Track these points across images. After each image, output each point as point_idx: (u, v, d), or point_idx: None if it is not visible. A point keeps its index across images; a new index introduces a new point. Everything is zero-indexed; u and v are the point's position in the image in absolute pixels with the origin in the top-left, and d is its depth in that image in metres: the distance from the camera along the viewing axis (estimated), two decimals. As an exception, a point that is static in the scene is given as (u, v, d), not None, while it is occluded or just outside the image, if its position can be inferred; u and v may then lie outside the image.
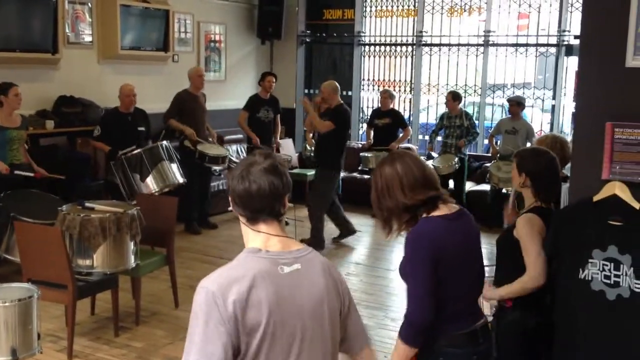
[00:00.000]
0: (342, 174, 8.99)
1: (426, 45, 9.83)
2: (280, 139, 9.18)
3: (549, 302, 3.06)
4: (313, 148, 8.05)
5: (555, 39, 8.94)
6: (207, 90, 8.16)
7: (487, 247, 4.54)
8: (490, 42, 9.31)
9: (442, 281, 2.54)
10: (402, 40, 10.01)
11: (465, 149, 8.60)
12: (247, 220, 2.02)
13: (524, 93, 9.11)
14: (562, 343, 2.78)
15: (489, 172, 7.80)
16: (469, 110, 9.31)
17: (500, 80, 9.51)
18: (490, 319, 3.07)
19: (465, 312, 2.65)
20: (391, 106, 8.81)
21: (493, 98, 9.70)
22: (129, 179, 6.54)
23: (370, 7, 10.19)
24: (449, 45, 9.65)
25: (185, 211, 7.62)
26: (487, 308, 3.36)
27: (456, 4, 9.51)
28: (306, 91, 10.63)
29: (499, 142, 8.51)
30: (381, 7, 10.09)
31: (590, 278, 2.65)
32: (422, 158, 9.48)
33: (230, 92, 9.72)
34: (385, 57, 10.23)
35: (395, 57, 10.15)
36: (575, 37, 8.45)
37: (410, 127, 9.05)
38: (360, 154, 8.97)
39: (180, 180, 6.90)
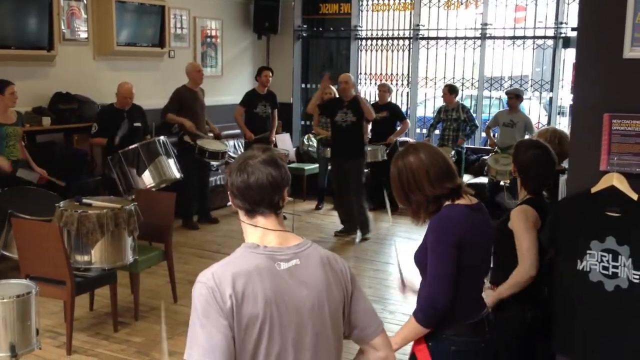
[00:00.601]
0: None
1: (423, 38, 9.81)
2: (277, 133, 9.17)
3: (546, 295, 3.07)
4: (328, 139, 8.08)
5: (552, 31, 8.93)
6: (204, 85, 8.14)
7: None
8: (488, 35, 9.30)
9: (461, 269, 2.55)
10: (399, 34, 9.99)
11: (463, 142, 8.60)
12: (246, 213, 2.01)
13: (521, 86, 9.11)
14: (561, 334, 2.79)
15: (487, 165, 7.81)
16: (467, 103, 9.30)
17: (497, 73, 9.51)
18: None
19: (474, 301, 2.67)
20: (389, 100, 8.80)
21: (490, 91, 9.69)
22: (126, 173, 6.54)
23: (367, 0, 10.17)
24: (446, 38, 9.63)
25: (184, 206, 7.63)
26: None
27: (453, -4, 9.50)
28: (303, 86, 10.63)
29: (496, 134, 8.52)
30: (378, 0, 10.07)
31: (588, 269, 2.65)
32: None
33: (227, 87, 9.71)
34: (382, 50, 10.21)
35: (393, 51, 10.14)
36: (573, 29, 8.44)
37: (408, 120, 9.04)
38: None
39: (177, 175, 6.90)
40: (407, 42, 9.94)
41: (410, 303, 2.66)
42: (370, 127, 8.38)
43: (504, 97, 8.72)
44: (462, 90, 9.33)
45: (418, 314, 2.59)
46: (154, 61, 8.64)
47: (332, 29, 10.40)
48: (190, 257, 6.81)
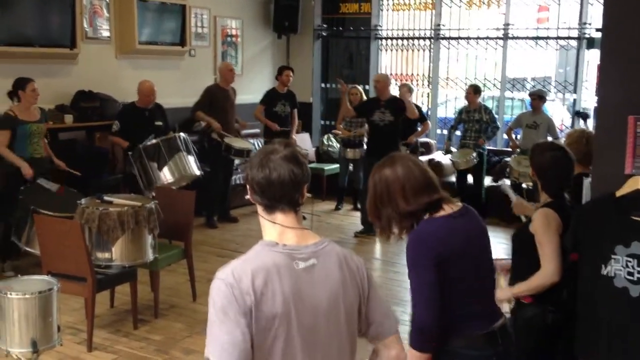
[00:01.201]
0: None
1: (444, 38, 9.75)
2: (297, 133, 9.17)
3: (565, 297, 3.03)
4: (366, 139, 8.13)
5: (576, 32, 8.83)
6: (223, 84, 8.17)
7: (507, 242, 4.49)
8: (510, 36, 9.21)
9: (451, 282, 2.47)
10: (419, 34, 9.94)
11: (484, 142, 8.54)
12: (265, 209, 1.99)
13: (544, 87, 9.03)
14: (584, 339, 2.75)
15: (509, 167, 7.74)
16: (488, 104, 9.24)
17: (520, 74, 9.43)
18: (508, 316, 3.04)
19: (482, 312, 2.58)
20: (410, 100, 8.76)
21: (513, 92, 9.62)
22: (147, 168, 6.56)
23: (387, 0, 10.13)
24: (468, 38, 9.57)
25: (207, 204, 7.68)
26: (506, 306, 3.33)
27: (475, -4, 9.45)
28: (322, 85, 10.62)
29: (518, 136, 8.44)
30: (398, 0, 10.03)
31: (613, 274, 2.61)
32: (440, 152, 9.54)
33: (247, 86, 9.72)
34: (402, 50, 10.16)
35: (413, 51, 10.09)
36: (597, 29, 8.34)
37: (428, 121, 9.00)
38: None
39: (197, 172, 6.91)
40: (428, 42, 9.88)
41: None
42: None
43: (527, 98, 8.64)
44: (484, 91, 9.26)
45: (411, 341, 2.51)
46: (175, 60, 8.68)
47: (352, 28, 10.38)
48: (210, 255, 6.83)
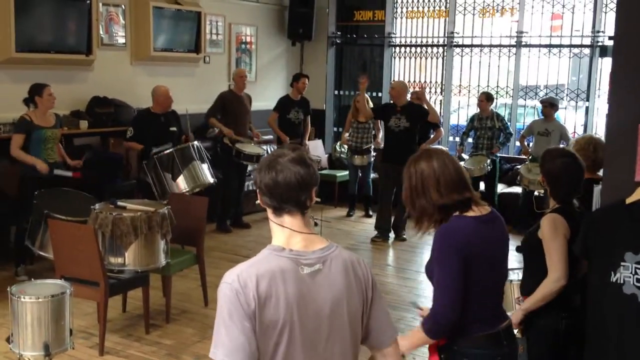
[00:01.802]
0: (373, 175, 9.01)
1: (457, 46, 9.75)
2: (310, 140, 9.20)
3: (578, 303, 3.03)
4: (382, 146, 8.19)
5: (589, 39, 8.81)
6: (238, 91, 8.21)
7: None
8: (523, 43, 9.21)
9: (469, 281, 2.52)
10: (433, 41, 9.94)
11: (498, 150, 8.53)
12: (273, 211, 2.02)
13: (557, 95, 9.00)
14: (593, 347, 2.74)
15: (520, 174, 7.73)
16: (501, 112, 9.22)
17: (533, 81, 9.40)
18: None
19: (490, 313, 2.63)
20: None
21: (525, 100, 9.59)
22: (161, 178, 6.61)
23: (401, 8, 10.15)
24: (481, 46, 9.57)
25: (220, 209, 7.72)
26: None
27: (488, 4, 9.43)
28: (336, 92, 10.64)
29: (531, 143, 8.42)
30: (412, 8, 10.04)
31: (622, 281, 2.61)
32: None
33: (261, 93, 9.76)
34: (416, 58, 10.17)
35: (426, 58, 10.09)
36: (610, 37, 8.31)
37: (441, 128, 8.99)
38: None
39: (211, 180, 6.95)
40: (441, 49, 9.89)
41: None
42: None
43: (539, 106, 8.61)
44: (497, 98, 9.25)
45: (425, 323, 2.58)
46: (190, 67, 8.74)
47: (366, 35, 10.41)
48: (222, 261, 6.85)
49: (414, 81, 10.18)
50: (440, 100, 9.99)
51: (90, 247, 4.54)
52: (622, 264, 2.61)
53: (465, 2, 9.57)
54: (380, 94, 10.12)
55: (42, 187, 5.72)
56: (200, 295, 5.67)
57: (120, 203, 5.06)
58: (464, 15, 9.62)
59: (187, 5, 8.43)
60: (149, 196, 6.43)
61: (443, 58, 9.88)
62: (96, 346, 4.74)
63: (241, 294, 1.86)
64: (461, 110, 10.34)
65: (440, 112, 9.92)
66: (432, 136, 8.57)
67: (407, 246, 7.70)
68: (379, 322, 2.11)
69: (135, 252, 4.84)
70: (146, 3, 7.85)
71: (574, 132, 9.13)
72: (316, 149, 9.63)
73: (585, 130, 8.97)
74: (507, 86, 9.52)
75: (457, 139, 9.41)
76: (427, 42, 10.00)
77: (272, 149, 9.12)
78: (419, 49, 10.09)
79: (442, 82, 9.94)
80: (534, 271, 3.07)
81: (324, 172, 9.42)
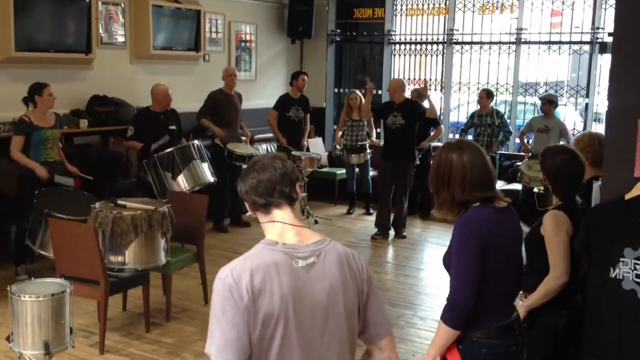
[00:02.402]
0: (373, 173, 9.01)
1: (457, 43, 9.75)
2: (309, 138, 9.20)
3: (579, 301, 3.03)
4: (382, 143, 8.17)
5: (588, 36, 8.80)
6: (238, 89, 8.21)
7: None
8: (523, 40, 9.20)
9: (488, 270, 2.55)
10: (432, 39, 9.94)
11: (498, 148, 8.52)
12: (262, 210, 2.06)
13: (557, 92, 8.99)
14: (592, 343, 2.75)
15: (520, 171, 7.71)
16: (501, 109, 9.22)
17: (532, 78, 9.40)
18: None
19: (505, 304, 2.68)
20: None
21: (525, 97, 9.59)
22: (161, 177, 6.60)
23: (401, 5, 10.14)
24: (481, 43, 9.56)
25: (216, 209, 7.69)
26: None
27: (488, 1, 9.42)
28: (336, 90, 10.64)
29: (530, 140, 8.42)
30: (411, 5, 10.03)
31: (621, 277, 2.61)
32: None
33: (261, 91, 9.77)
34: (415, 55, 10.17)
35: (426, 56, 10.09)
36: (610, 34, 8.31)
37: (441, 126, 8.99)
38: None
39: (211, 179, 6.95)
40: (440, 47, 9.88)
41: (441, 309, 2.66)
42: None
43: (539, 102, 8.61)
44: (497, 95, 9.24)
45: (444, 315, 2.61)
46: (189, 65, 8.74)
47: (365, 33, 10.40)
48: (222, 259, 6.84)
49: (414, 78, 10.18)
50: (440, 98, 9.98)
51: (90, 246, 4.54)
52: (622, 259, 2.61)
53: (464, -1, 9.58)
54: (380, 92, 10.12)
55: (42, 186, 5.73)
56: (201, 294, 5.67)
57: (120, 202, 5.06)
58: (464, 12, 9.61)
59: (187, 3, 8.43)
60: (149, 195, 6.43)
61: (443, 55, 9.88)
62: (96, 345, 4.74)
63: (234, 288, 1.88)
64: (461, 108, 10.33)
65: (440, 110, 9.92)
66: (432, 133, 8.58)
67: (407, 243, 7.70)
68: (374, 316, 2.13)
69: (136, 251, 4.84)
70: (145, 1, 7.84)
71: (574, 128, 9.13)
72: (316, 146, 9.63)
73: (584, 127, 8.97)
74: (506, 83, 9.51)
75: (457, 136, 9.39)
76: (426, 39, 10.00)
77: (272, 148, 9.14)
78: (418, 47, 10.09)
79: (441, 79, 9.94)
80: (536, 268, 3.07)
81: (323, 170, 9.43)
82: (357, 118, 8.67)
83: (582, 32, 8.91)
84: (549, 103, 8.14)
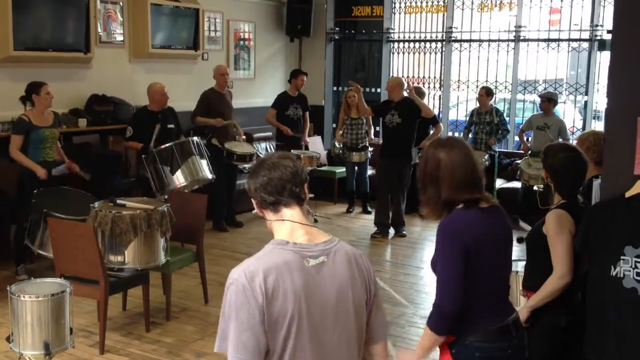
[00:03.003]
0: (371, 171, 9.01)
1: (456, 41, 9.74)
2: (309, 136, 9.19)
3: (579, 300, 3.03)
4: (381, 141, 8.14)
5: (587, 33, 8.80)
6: (237, 88, 8.22)
7: (517, 244, 4.48)
8: (522, 38, 9.19)
9: (476, 273, 2.53)
10: (431, 37, 9.93)
11: (495, 145, 8.52)
12: (271, 209, 2.06)
13: (556, 89, 8.99)
14: (593, 340, 2.74)
15: (519, 169, 7.72)
16: (500, 106, 9.21)
17: (531, 76, 9.39)
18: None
19: (499, 306, 2.64)
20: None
21: (524, 94, 9.58)
22: (160, 172, 6.56)
23: (400, 3, 10.12)
24: (479, 41, 9.55)
25: (213, 209, 7.68)
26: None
27: (486, -1, 9.42)
28: (335, 88, 10.63)
29: (529, 138, 8.42)
30: (410, 3, 10.02)
31: (622, 275, 2.61)
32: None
33: (259, 89, 9.76)
34: (414, 53, 10.16)
35: (425, 54, 10.08)
36: (608, 31, 8.30)
37: (441, 124, 8.98)
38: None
39: (210, 176, 6.91)
40: (439, 44, 9.87)
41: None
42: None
43: (538, 100, 8.61)
44: (496, 93, 9.23)
45: (429, 320, 2.59)
46: (188, 63, 8.73)
47: (364, 31, 10.39)
48: (221, 258, 6.86)
49: (413, 76, 10.17)
50: (439, 96, 9.98)
51: (89, 246, 4.54)
52: (622, 257, 2.61)
53: (463, -3, 9.56)
54: (378, 90, 10.11)
55: (42, 186, 5.72)
56: (201, 293, 5.67)
57: (119, 201, 5.05)
58: (463, 10, 9.60)
59: (185, 2, 8.42)
60: (148, 193, 6.41)
61: (442, 53, 9.87)
62: (96, 344, 4.74)
63: (248, 289, 1.89)
64: (460, 106, 10.32)
65: (439, 108, 9.92)
66: (431, 132, 8.57)
67: (407, 242, 7.70)
68: (374, 318, 2.15)
69: (135, 250, 4.84)
70: (144, 0, 7.83)
71: (573, 126, 9.13)
72: (315, 145, 9.62)
73: (584, 124, 8.97)
74: (505, 81, 9.51)
75: (457, 134, 9.39)
76: (425, 37, 9.99)
77: (270, 146, 9.13)
78: (417, 44, 10.08)
79: (440, 77, 9.92)
80: (539, 266, 3.07)
81: (323, 168, 9.41)
82: (355, 116, 8.66)
83: (581, 30, 8.90)
84: (548, 101, 8.13)
